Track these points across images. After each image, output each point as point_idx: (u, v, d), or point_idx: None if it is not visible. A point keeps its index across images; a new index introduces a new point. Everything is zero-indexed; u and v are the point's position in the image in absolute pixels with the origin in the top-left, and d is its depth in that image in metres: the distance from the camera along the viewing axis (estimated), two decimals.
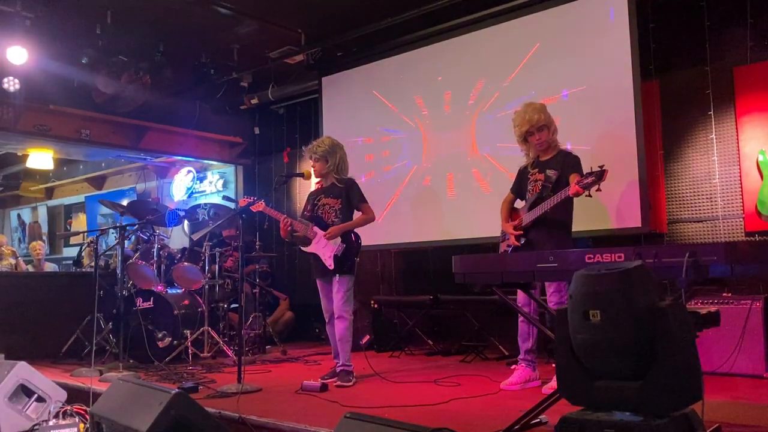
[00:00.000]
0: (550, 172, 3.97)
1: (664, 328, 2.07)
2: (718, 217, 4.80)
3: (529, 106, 4.09)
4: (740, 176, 4.70)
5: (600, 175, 3.54)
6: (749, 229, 4.63)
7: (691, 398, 2.12)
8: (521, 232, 4.01)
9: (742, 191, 4.68)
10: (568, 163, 3.98)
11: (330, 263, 4.35)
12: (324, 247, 4.39)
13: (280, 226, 4.50)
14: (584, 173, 3.61)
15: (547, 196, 3.89)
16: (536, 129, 4.01)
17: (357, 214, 4.58)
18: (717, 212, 4.80)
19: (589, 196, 3.65)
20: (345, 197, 4.51)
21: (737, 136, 4.73)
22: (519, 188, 4.25)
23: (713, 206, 4.82)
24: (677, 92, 5.02)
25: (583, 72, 5.13)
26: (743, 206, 4.68)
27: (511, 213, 4.22)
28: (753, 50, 4.70)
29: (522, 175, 4.23)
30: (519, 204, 4.26)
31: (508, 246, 4.09)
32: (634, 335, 2.08)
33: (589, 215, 4.89)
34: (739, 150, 4.71)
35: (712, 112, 4.85)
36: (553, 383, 3.75)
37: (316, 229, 4.45)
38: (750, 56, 4.71)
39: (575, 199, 3.85)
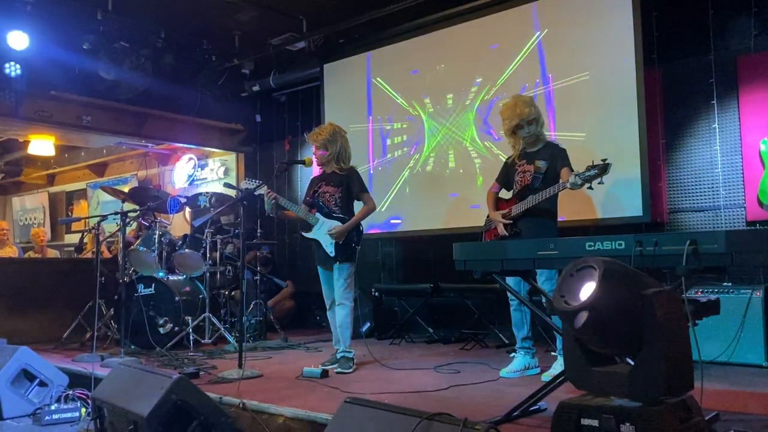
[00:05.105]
0: (540, 163, 3.99)
1: (650, 315, 2.07)
2: (719, 207, 4.79)
3: (519, 99, 4.10)
4: (742, 166, 4.69)
5: (603, 169, 3.54)
6: (751, 219, 4.62)
7: (680, 386, 2.11)
8: (511, 221, 4.03)
9: (744, 181, 4.68)
10: (557, 155, 4.01)
11: (331, 250, 4.36)
12: (326, 234, 4.39)
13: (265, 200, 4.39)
14: (587, 166, 3.61)
15: (538, 187, 3.92)
16: (526, 123, 4.02)
17: (357, 203, 4.58)
18: (719, 202, 4.79)
19: (591, 188, 3.66)
20: (345, 186, 4.50)
21: (740, 125, 4.71)
22: (505, 179, 4.28)
23: (715, 196, 4.82)
24: (680, 81, 4.99)
25: (585, 60, 5.11)
26: (745, 196, 4.67)
27: (497, 203, 4.25)
28: (757, 39, 4.67)
29: (509, 167, 4.25)
30: (504, 194, 4.29)
31: (495, 235, 4.11)
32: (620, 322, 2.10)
33: (591, 204, 4.91)
34: (741, 139, 4.70)
35: (714, 102, 4.83)
36: (553, 370, 3.78)
37: (318, 215, 4.45)
38: (754, 45, 4.68)
39: (574, 189, 3.86)
